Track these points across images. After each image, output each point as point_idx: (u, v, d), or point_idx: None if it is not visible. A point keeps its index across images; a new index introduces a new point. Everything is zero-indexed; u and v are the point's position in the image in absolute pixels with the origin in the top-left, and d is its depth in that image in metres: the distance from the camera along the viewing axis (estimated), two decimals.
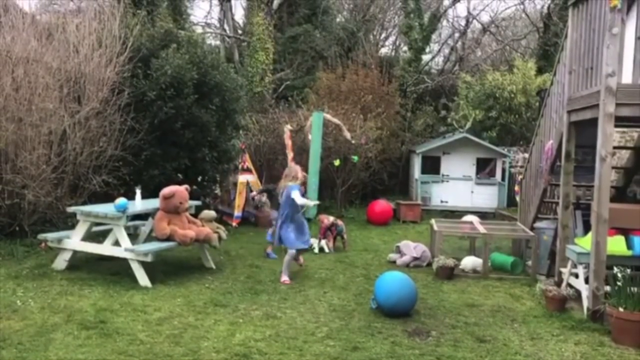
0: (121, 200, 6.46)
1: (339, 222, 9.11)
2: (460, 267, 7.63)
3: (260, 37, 16.25)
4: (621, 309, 4.90)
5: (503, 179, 13.78)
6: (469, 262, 7.69)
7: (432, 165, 13.85)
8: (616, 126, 5.73)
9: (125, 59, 8.64)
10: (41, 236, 6.85)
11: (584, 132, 6.68)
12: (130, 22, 9.39)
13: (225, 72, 9.68)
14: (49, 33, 8.43)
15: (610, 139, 5.41)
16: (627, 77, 5.47)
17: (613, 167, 7.96)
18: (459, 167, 13.81)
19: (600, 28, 5.54)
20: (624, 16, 5.37)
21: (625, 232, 5.90)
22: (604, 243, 5.39)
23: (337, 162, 11.79)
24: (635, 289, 4.96)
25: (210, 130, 9.29)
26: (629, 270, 5.18)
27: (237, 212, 10.44)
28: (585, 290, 5.70)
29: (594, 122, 5.60)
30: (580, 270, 5.90)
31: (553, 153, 7.23)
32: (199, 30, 19.22)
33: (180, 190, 6.74)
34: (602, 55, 5.41)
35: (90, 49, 8.44)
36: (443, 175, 13.86)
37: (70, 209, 6.98)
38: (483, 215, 11.91)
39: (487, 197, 13.66)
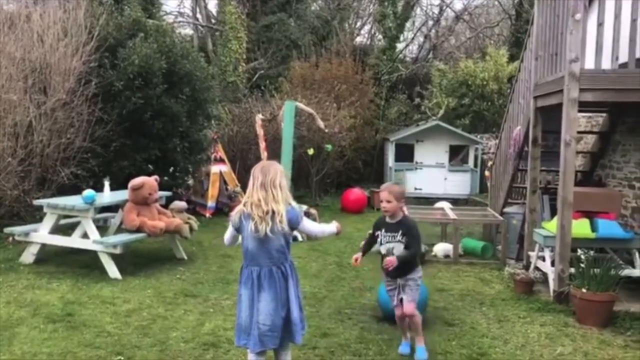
0: (88, 192, 6.37)
1: (312, 210, 9.12)
2: (432, 253, 7.71)
3: (233, 26, 16.07)
4: (584, 290, 5.00)
5: (475, 165, 13.92)
6: (440, 248, 7.77)
7: (406, 153, 13.94)
8: (583, 111, 5.82)
9: (91, 49, 8.48)
10: (8, 230, 6.71)
11: (554, 118, 6.74)
12: (97, 11, 9.20)
13: (196, 61, 9.56)
14: (12, 22, 8.23)
15: (574, 124, 5.49)
16: (590, 63, 5.56)
17: (580, 152, 8.11)
18: (432, 154, 13.92)
19: (564, 14, 5.61)
20: (587, 2, 5.45)
21: (590, 215, 6.01)
22: (568, 226, 5.49)
23: (311, 151, 11.78)
24: (598, 270, 5.07)
25: (180, 120, 9.18)
26: (592, 252, 5.30)
27: (211, 203, 10.37)
28: (551, 273, 5.81)
29: (562, 107, 5.68)
30: (547, 254, 6.01)
31: (521, 139, 7.32)
32: (171, 19, 18.95)
33: (149, 181, 6.66)
34: (565, 41, 5.48)
35: (56, 39, 8.27)
36: (417, 162, 13.96)
37: (37, 202, 6.85)
38: (456, 201, 12.03)
39: (460, 183, 13.80)
